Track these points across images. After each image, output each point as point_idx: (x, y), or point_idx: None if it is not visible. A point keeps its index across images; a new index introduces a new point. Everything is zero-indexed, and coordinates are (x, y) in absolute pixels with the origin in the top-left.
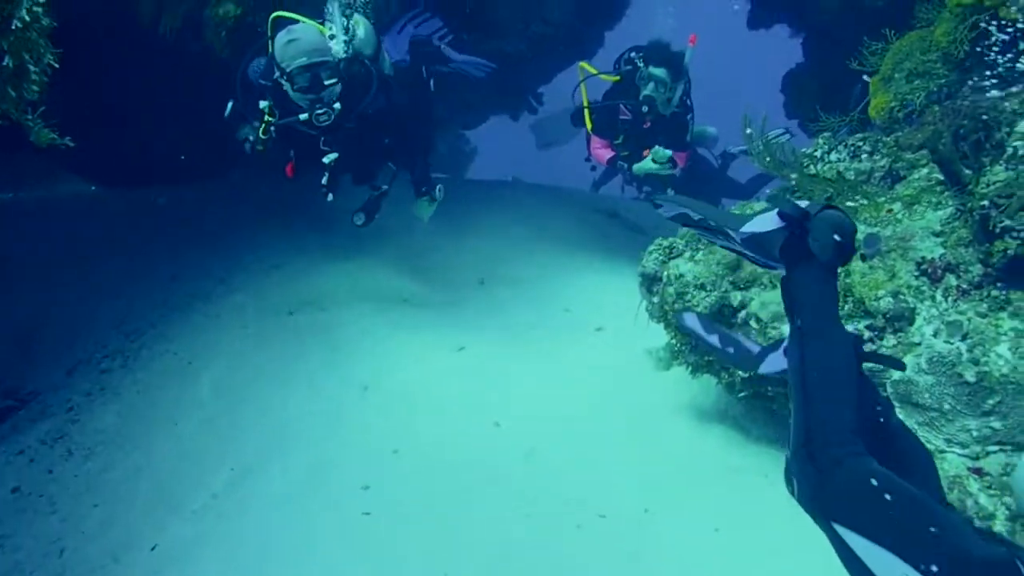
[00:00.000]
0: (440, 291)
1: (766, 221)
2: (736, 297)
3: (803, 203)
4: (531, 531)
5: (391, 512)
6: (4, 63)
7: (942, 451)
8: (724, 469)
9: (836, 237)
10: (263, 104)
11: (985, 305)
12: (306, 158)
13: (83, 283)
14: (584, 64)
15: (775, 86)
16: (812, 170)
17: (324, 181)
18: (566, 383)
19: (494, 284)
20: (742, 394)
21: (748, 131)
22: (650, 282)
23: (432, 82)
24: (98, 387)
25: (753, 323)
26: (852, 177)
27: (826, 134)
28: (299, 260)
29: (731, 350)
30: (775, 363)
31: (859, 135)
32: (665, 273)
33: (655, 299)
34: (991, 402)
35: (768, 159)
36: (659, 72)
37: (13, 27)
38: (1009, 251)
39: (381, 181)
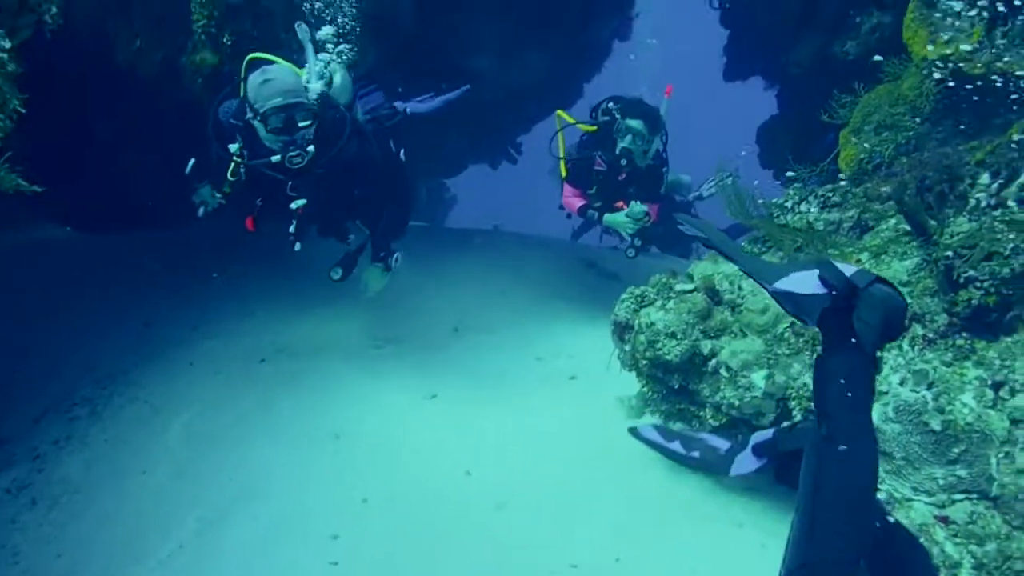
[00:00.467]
0: (414, 338)
1: (805, 282)
2: (707, 346)
3: (848, 269)
4: None
5: (359, 562)
6: None
7: (908, 499)
8: (697, 517)
9: (883, 318)
10: (233, 147)
11: (950, 354)
12: (273, 204)
13: (55, 328)
14: (561, 113)
15: (751, 137)
16: (782, 220)
17: (292, 229)
18: (538, 432)
19: (468, 332)
20: None
21: (714, 182)
22: (622, 330)
23: (403, 153)
24: (65, 435)
25: (723, 371)
26: (821, 227)
27: (797, 185)
28: (272, 307)
29: (696, 454)
30: (745, 464)
31: (829, 186)
32: (636, 321)
33: (627, 347)
34: (956, 450)
35: (738, 208)
36: (636, 124)
37: None
38: (973, 301)
39: (353, 236)
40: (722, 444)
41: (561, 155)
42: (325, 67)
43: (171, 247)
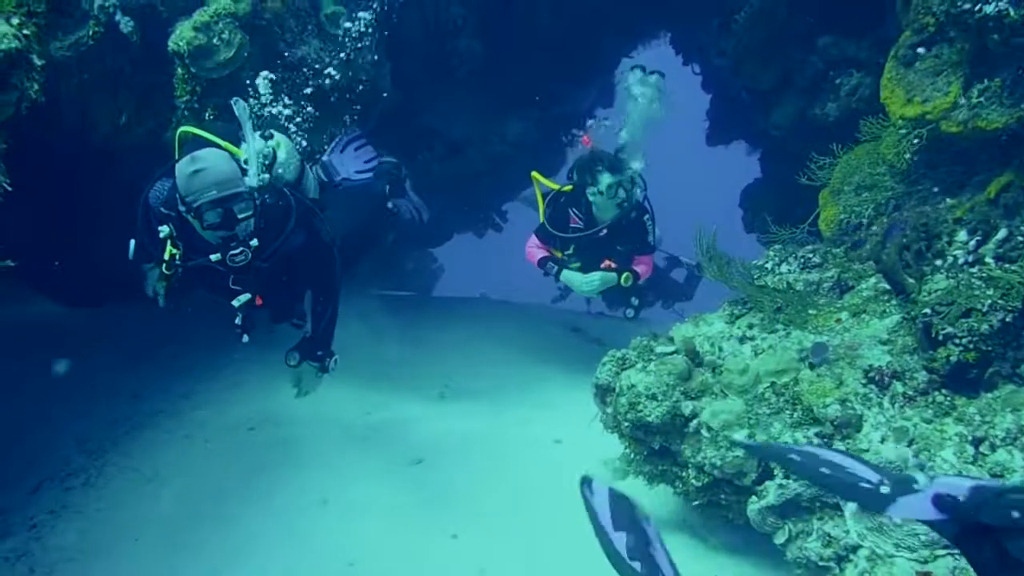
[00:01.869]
0: (400, 405)
1: (915, 508)
2: (687, 407)
3: (964, 483)
4: None
5: None
6: None
7: (891, 555)
8: None
9: None
10: (163, 230)
11: (930, 411)
12: (215, 294)
13: (46, 403)
14: (536, 174)
15: (735, 201)
16: (762, 281)
17: (238, 322)
18: (524, 496)
19: (454, 398)
20: (696, 503)
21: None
22: (604, 393)
23: (391, 204)
24: (61, 505)
25: (704, 432)
26: (801, 288)
27: (777, 246)
28: (259, 375)
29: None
30: (915, 510)
31: (809, 247)
32: (618, 384)
33: (609, 410)
34: None
35: (718, 270)
36: (612, 179)
37: None
38: (952, 357)
39: (309, 323)
40: (872, 476)
41: (540, 206)
42: (265, 144)
43: (160, 319)
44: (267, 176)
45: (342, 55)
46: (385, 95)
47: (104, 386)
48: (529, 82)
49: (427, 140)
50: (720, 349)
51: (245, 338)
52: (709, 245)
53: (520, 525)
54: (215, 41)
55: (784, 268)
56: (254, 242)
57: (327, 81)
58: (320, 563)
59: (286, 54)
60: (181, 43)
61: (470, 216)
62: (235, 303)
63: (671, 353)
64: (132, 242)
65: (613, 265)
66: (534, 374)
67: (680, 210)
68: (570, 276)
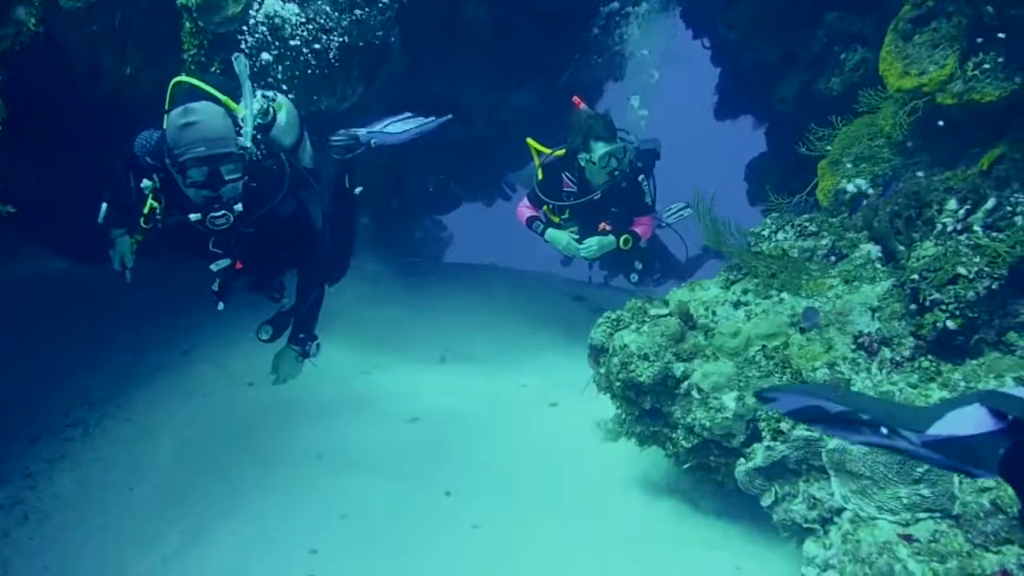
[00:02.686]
0: (400, 365)
1: (968, 420)
2: (679, 368)
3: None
4: None
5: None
6: None
7: (873, 518)
8: (673, 539)
9: None
10: (146, 184)
11: (916, 376)
12: (190, 253)
13: (50, 357)
14: (531, 141)
15: (740, 174)
16: (758, 248)
17: (215, 287)
18: (518, 455)
19: (455, 360)
20: (686, 465)
21: (675, 210)
22: (597, 354)
23: (358, 191)
24: (59, 455)
25: (695, 393)
26: (796, 255)
27: (774, 214)
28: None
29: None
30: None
31: (806, 216)
32: (611, 344)
33: (602, 370)
34: (920, 470)
35: (714, 236)
36: (606, 147)
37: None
38: (938, 323)
39: (287, 298)
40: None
41: (538, 171)
42: (269, 103)
43: (165, 277)
44: (259, 136)
45: (352, 14)
46: (393, 58)
47: (107, 342)
48: (537, 51)
49: (436, 107)
50: (714, 313)
51: (220, 305)
52: (706, 209)
53: (513, 484)
54: None
55: (780, 236)
56: (238, 206)
57: (335, 40)
58: (313, 515)
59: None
60: None
61: (479, 183)
62: (213, 267)
63: (665, 315)
64: (104, 204)
65: (608, 228)
66: (535, 341)
67: (685, 183)
68: (556, 235)
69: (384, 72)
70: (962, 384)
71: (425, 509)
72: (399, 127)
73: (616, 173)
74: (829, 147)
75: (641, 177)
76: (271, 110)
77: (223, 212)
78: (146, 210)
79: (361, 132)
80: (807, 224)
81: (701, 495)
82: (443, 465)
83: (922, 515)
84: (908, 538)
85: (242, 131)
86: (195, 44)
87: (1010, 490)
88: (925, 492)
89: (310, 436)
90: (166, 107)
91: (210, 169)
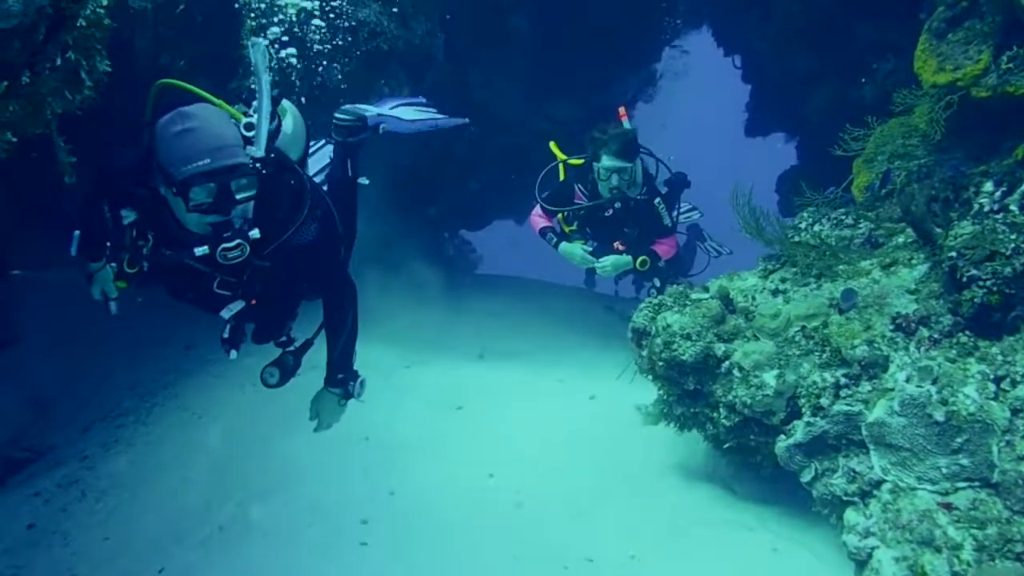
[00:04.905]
0: (441, 361)
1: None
2: (720, 348)
3: None
4: (518, 570)
5: (386, 543)
6: (67, 56)
7: (913, 488)
8: (710, 522)
9: None
10: (127, 216)
11: (954, 351)
12: (189, 301)
13: (100, 354)
14: (553, 145)
15: (771, 186)
16: (796, 239)
17: (225, 334)
18: (558, 441)
19: (493, 358)
20: (727, 445)
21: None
22: (639, 336)
23: (357, 183)
24: (113, 439)
25: (736, 372)
26: (833, 243)
27: (811, 208)
28: (308, 330)
29: None
30: None
31: (842, 209)
32: (653, 326)
33: (644, 352)
34: (959, 440)
35: (753, 227)
36: (612, 163)
37: (79, 24)
38: (976, 299)
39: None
40: None
41: (561, 157)
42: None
43: None
44: (271, 146)
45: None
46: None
47: (159, 338)
48: (576, 64)
49: (476, 114)
50: (753, 298)
51: (233, 354)
52: (745, 200)
53: (555, 467)
54: None
55: (817, 228)
56: (254, 232)
57: (384, 44)
58: (363, 491)
59: (347, 15)
60: None
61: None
62: (225, 313)
63: (706, 298)
64: (76, 233)
65: (622, 248)
66: (569, 341)
67: (716, 198)
68: (569, 249)
69: (429, 76)
70: (1000, 358)
71: (470, 488)
72: (412, 113)
73: (615, 192)
74: (864, 147)
75: (658, 200)
76: (277, 116)
77: (237, 241)
78: (127, 256)
79: (370, 111)
80: (843, 217)
81: (739, 482)
82: (486, 449)
83: (961, 484)
84: (948, 506)
85: (254, 138)
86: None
87: None
88: (964, 462)
89: (357, 421)
90: (147, 117)
91: (218, 185)
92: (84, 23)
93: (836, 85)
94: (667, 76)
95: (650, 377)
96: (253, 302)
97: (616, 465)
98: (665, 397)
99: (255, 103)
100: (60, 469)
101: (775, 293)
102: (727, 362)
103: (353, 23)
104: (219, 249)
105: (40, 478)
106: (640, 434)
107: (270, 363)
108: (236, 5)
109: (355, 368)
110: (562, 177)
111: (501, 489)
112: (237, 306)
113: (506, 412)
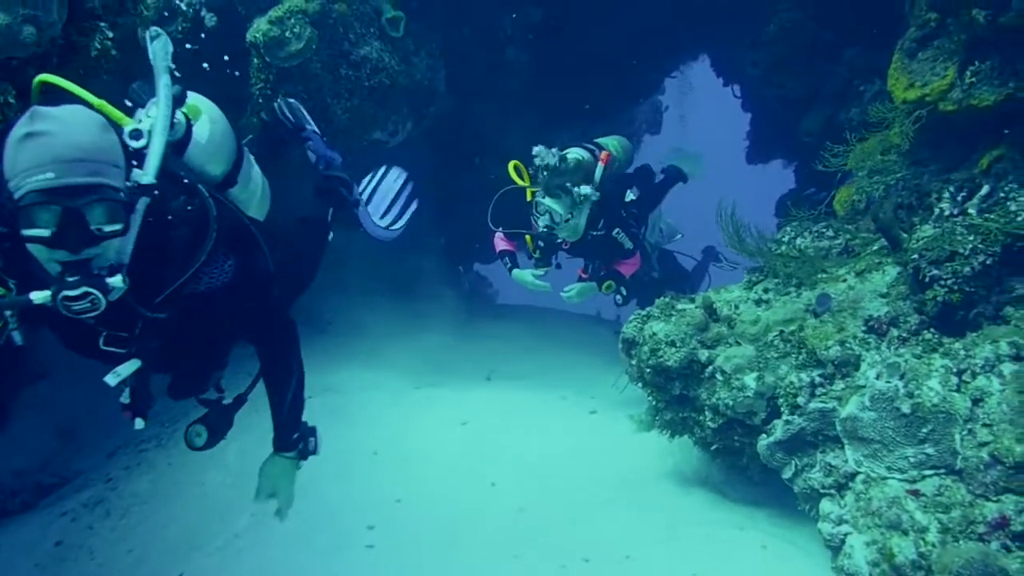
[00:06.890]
0: (449, 382)
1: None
2: (703, 354)
3: None
4: (518, 570)
5: (392, 547)
6: None
7: (884, 478)
8: (702, 523)
9: None
10: None
11: (920, 348)
12: (81, 354)
13: None
14: (514, 165)
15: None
16: (778, 251)
17: (124, 400)
18: (559, 451)
19: (500, 379)
20: (714, 447)
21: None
22: (628, 346)
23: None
24: (135, 463)
25: (719, 376)
26: (812, 253)
27: (794, 223)
28: (321, 354)
29: None
30: None
31: (823, 223)
32: (640, 335)
33: (633, 361)
34: (925, 431)
35: (736, 239)
36: (549, 203)
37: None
38: (939, 298)
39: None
40: None
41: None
42: (177, 108)
43: None
44: (169, 163)
45: (401, 56)
46: (440, 98)
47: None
48: (577, 96)
49: (479, 147)
50: (737, 308)
51: (139, 423)
52: (728, 216)
53: (555, 475)
54: (287, 34)
55: (799, 241)
56: (115, 280)
57: (386, 79)
58: (370, 499)
59: (351, 53)
60: (258, 35)
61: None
62: (111, 378)
63: (691, 308)
64: None
65: (586, 277)
66: (573, 362)
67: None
68: (521, 276)
69: (431, 111)
70: (962, 353)
71: (473, 495)
72: (386, 204)
73: (545, 230)
74: (845, 163)
75: (616, 231)
76: (181, 117)
77: (83, 290)
78: None
79: (356, 189)
80: (824, 230)
81: (731, 486)
82: (490, 460)
83: (928, 472)
84: (915, 493)
85: (146, 152)
86: (262, 79)
87: (1007, 441)
88: (930, 451)
89: (366, 436)
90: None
91: (64, 211)
92: (95, 53)
93: (828, 109)
94: (673, 107)
95: (640, 384)
96: (151, 361)
97: (613, 473)
98: (655, 403)
99: (151, 101)
100: (86, 491)
101: (758, 303)
102: (710, 367)
103: (356, 59)
104: (59, 297)
105: (68, 499)
106: (634, 442)
107: (195, 420)
108: None
109: (304, 420)
110: (528, 197)
111: (503, 496)
112: (130, 367)
113: (509, 426)
